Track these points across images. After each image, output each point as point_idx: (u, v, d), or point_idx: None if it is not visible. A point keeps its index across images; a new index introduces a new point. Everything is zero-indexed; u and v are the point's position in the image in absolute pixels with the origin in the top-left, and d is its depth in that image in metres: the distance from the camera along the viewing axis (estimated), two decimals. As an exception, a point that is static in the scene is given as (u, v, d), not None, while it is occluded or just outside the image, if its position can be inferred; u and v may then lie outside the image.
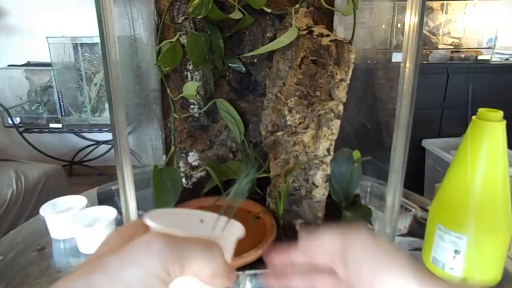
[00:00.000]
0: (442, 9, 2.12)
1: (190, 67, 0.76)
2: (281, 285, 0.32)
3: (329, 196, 0.65)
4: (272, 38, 0.74)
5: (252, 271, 0.56)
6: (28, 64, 2.27)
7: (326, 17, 0.77)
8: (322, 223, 0.65)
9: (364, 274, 0.28)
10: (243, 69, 0.77)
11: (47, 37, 1.98)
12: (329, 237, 0.31)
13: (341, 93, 0.60)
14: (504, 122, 0.53)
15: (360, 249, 0.29)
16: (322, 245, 0.31)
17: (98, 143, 2.55)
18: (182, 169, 0.80)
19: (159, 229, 0.25)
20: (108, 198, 0.85)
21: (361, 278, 0.28)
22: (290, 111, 0.61)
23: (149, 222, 0.25)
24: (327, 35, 0.62)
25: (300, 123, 0.61)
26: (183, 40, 0.73)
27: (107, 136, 2.46)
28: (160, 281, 0.22)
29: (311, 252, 0.32)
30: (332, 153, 0.63)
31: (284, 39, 0.63)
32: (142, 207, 0.72)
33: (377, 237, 0.30)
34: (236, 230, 0.28)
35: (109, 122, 0.46)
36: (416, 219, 0.77)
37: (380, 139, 0.70)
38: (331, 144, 0.62)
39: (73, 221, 0.67)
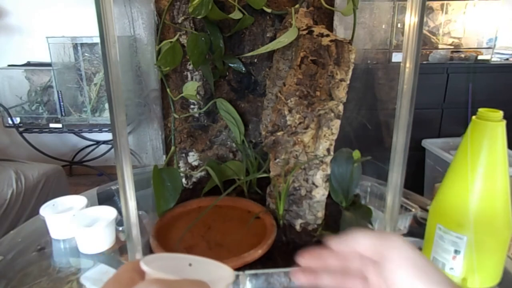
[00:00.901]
0: (442, 9, 2.12)
1: (190, 67, 0.76)
2: (310, 281, 0.33)
3: (329, 196, 0.65)
4: (272, 38, 0.74)
5: (252, 271, 0.56)
6: (28, 64, 2.27)
7: (326, 17, 0.77)
8: (322, 223, 0.65)
9: (403, 286, 0.29)
10: (243, 69, 0.77)
11: (47, 37, 1.98)
12: (363, 241, 0.32)
13: (341, 93, 0.60)
14: (504, 122, 0.53)
15: (400, 261, 0.29)
16: (355, 247, 0.32)
17: (98, 143, 2.55)
18: (182, 169, 0.80)
19: (153, 273, 0.26)
20: (108, 198, 0.85)
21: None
22: (290, 111, 0.61)
23: (144, 267, 0.27)
24: (327, 35, 0.62)
25: (300, 123, 0.61)
26: (183, 40, 0.73)
27: (107, 136, 2.46)
28: None
29: (343, 254, 0.33)
30: (332, 153, 0.63)
31: (284, 39, 0.63)
32: (142, 207, 0.73)
33: (415, 250, 0.30)
34: (225, 274, 0.29)
35: (109, 122, 0.46)
36: (416, 219, 0.77)
37: (380, 139, 0.70)
38: (331, 144, 0.62)
39: (73, 221, 0.67)
